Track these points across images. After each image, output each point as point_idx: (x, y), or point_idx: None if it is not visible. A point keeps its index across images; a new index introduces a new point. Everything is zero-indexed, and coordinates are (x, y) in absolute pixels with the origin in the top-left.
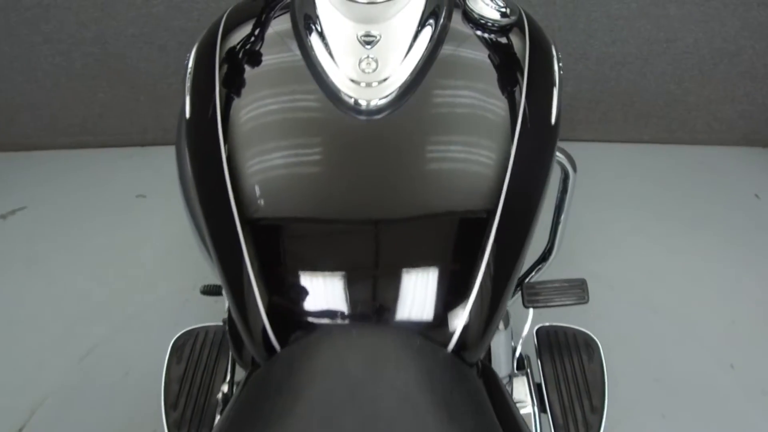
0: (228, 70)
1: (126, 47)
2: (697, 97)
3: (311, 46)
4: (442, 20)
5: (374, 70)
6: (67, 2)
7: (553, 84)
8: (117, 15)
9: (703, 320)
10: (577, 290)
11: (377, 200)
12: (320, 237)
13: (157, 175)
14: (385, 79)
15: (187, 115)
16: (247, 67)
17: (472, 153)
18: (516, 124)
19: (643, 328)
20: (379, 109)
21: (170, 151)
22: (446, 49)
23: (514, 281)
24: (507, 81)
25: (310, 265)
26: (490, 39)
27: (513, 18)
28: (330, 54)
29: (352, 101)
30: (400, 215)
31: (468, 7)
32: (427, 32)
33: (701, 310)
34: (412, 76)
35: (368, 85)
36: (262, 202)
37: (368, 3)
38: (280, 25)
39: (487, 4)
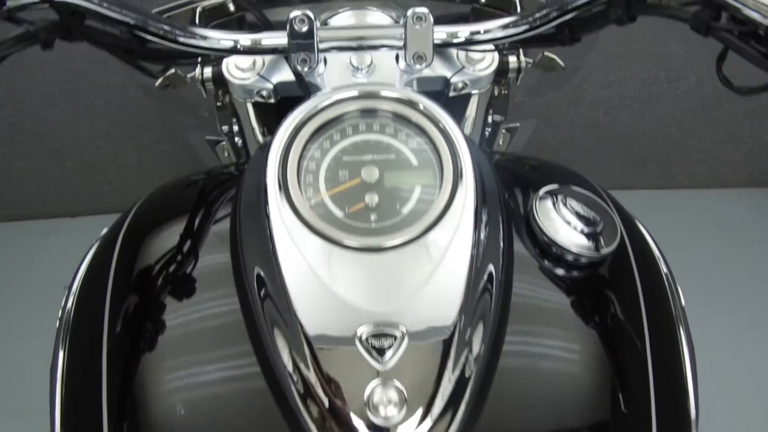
0: (122, 328)
1: (44, 108)
2: (699, 140)
3: (266, 330)
4: (502, 270)
5: (400, 411)
6: None
7: (681, 360)
8: (31, 72)
9: None
10: None
11: None
12: None
13: None
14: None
15: (57, 408)
16: (149, 331)
17: None
18: None
19: None
20: None
21: (105, 221)
22: (515, 330)
23: None
24: (621, 366)
25: None
26: (578, 282)
27: (611, 247)
28: (300, 376)
29: None
30: None
31: (537, 222)
32: (485, 300)
33: (750, 422)
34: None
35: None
36: None
37: (367, 250)
38: (215, 247)
39: (566, 219)
